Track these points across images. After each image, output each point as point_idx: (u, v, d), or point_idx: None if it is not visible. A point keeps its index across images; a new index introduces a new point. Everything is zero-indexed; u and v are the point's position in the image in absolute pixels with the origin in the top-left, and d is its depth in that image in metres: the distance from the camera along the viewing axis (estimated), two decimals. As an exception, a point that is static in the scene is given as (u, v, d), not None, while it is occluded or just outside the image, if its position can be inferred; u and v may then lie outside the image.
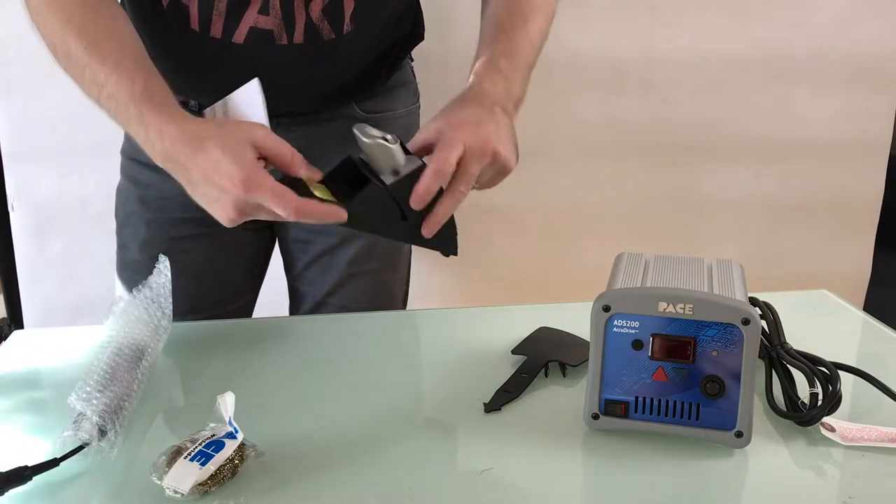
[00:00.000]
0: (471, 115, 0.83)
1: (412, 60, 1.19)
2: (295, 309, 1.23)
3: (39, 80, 1.42)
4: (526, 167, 1.61)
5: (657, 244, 1.69)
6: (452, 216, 0.85)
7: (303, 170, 0.79)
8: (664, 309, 0.69)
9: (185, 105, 1.06)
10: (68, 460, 0.67)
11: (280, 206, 0.74)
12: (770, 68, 1.61)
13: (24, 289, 1.56)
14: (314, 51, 0.98)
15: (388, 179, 0.80)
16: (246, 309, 1.22)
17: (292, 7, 0.94)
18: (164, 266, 0.89)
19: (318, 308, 1.18)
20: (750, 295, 0.79)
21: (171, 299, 0.89)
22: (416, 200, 0.79)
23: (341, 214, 0.77)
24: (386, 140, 0.78)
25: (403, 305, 1.28)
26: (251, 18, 0.94)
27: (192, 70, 1.02)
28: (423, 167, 0.80)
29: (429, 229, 0.81)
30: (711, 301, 0.68)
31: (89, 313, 1.53)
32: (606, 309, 0.70)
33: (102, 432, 0.69)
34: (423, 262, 1.66)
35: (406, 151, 0.81)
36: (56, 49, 0.87)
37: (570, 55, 1.55)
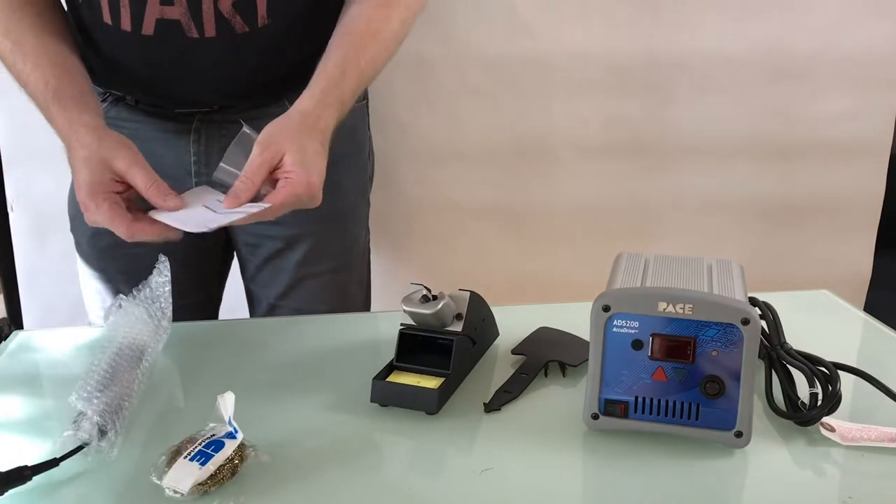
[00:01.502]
0: (317, 166, 0.87)
1: None
2: (251, 311, 1.24)
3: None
4: (526, 167, 1.63)
5: (657, 244, 1.69)
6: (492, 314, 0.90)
7: (164, 200, 0.85)
8: (664, 309, 0.69)
9: (121, 100, 1.08)
10: (68, 460, 0.67)
11: (114, 230, 0.83)
12: (770, 68, 1.61)
13: (24, 289, 1.56)
14: (228, 44, 0.97)
15: (458, 326, 0.81)
16: (207, 304, 1.23)
17: None
18: (163, 266, 0.89)
19: (271, 311, 1.19)
20: (750, 295, 0.79)
21: (170, 299, 0.89)
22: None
23: (172, 234, 0.84)
24: (436, 298, 0.80)
25: (364, 306, 1.27)
26: (155, 9, 0.94)
27: (114, 65, 1.03)
28: (471, 295, 0.83)
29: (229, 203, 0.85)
30: (711, 301, 0.68)
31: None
32: (606, 309, 0.70)
33: (102, 432, 0.69)
34: (423, 263, 1.66)
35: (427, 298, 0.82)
36: None
37: (570, 55, 1.55)
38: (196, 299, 1.19)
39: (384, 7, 0.98)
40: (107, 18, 0.96)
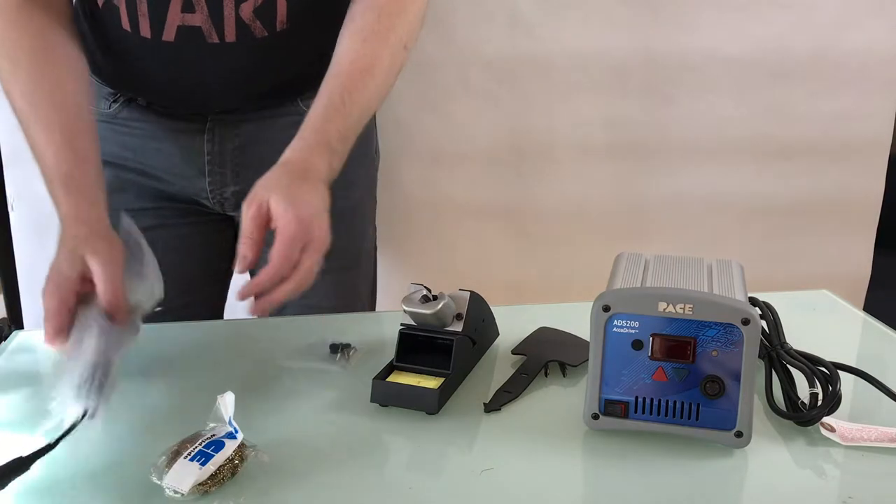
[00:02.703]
0: (306, 201, 0.83)
1: None
2: None
3: (39, 80, 1.42)
4: (526, 167, 1.62)
5: (657, 244, 1.69)
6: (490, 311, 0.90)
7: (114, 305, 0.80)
8: (664, 309, 0.69)
9: (133, 101, 1.07)
10: (69, 462, 0.67)
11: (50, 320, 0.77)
12: (770, 68, 1.61)
13: (24, 289, 1.55)
14: (248, 49, 0.98)
15: (458, 326, 0.82)
16: (211, 301, 1.23)
17: (221, 5, 0.94)
18: (130, 225, 0.87)
19: (280, 308, 1.18)
20: (750, 295, 0.79)
21: (151, 252, 0.87)
22: (245, 294, 0.81)
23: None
24: (436, 298, 0.80)
25: (370, 303, 1.27)
26: (176, 16, 0.95)
27: (131, 69, 1.03)
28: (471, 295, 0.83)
29: (260, 309, 0.81)
30: (711, 301, 0.68)
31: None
32: (606, 309, 0.70)
33: (85, 411, 0.69)
34: (423, 263, 1.66)
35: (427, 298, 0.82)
36: (4, 87, 0.91)
37: (570, 55, 1.55)
38: (203, 296, 1.20)
39: (372, 43, 0.94)
40: (126, 25, 0.96)
